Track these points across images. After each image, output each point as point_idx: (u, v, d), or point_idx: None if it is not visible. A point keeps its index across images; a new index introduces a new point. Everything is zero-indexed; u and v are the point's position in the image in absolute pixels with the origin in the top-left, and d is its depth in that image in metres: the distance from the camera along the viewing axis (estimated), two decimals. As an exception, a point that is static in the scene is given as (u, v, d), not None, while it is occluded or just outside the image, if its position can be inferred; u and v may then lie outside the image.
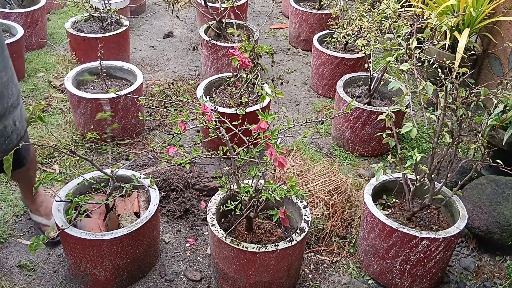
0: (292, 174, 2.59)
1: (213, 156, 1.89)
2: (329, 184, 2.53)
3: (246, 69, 2.52)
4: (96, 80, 3.17)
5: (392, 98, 2.55)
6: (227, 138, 1.89)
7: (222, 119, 1.95)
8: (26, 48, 3.95)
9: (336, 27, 3.59)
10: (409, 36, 2.49)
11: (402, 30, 2.54)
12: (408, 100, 2.29)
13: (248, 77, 2.82)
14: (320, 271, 2.31)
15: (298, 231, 2.01)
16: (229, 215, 2.22)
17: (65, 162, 2.84)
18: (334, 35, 3.60)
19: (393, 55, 2.35)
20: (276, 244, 1.94)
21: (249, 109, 2.75)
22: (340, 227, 2.46)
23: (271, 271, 1.99)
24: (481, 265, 2.40)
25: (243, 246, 1.92)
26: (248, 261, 1.95)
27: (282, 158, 1.59)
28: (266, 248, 1.92)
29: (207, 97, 3.03)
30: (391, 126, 2.16)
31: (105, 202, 2.01)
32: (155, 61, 4.14)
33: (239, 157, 1.82)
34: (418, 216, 2.26)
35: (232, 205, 1.92)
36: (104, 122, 2.87)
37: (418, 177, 2.13)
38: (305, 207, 2.13)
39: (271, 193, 1.78)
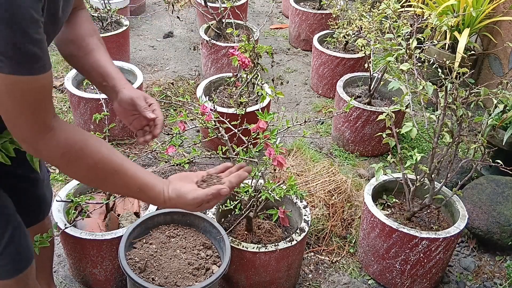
0: (292, 174, 2.58)
1: (213, 156, 1.89)
2: (329, 184, 2.53)
3: (246, 69, 2.52)
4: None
5: (392, 98, 2.56)
6: (227, 138, 1.89)
7: (222, 119, 1.95)
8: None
9: (336, 27, 3.59)
10: (409, 36, 2.48)
11: (402, 30, 2.54)
12: (408, 100, 2.29)
13: (248, 77, 2.82)
14: (320, 271, 2.31)
15: (298, 231, 2.01)
16: (229, 215, 2.21)
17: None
18: (334, 35, 3.60)
19: (393, 55, 2.35)
20: (276, 244, 1.94)
21: (249, 109, 2.74)
22: (340, 227, 2.45)
23: (271, 271, 1.99)
24: (481, 265, 2.40)
25: (243, 246, 1.92)
26: (248, 261, 1.95)
27: (281, 157, 1.58)
28: (266, 248, 1.92)
29: (207, 97, 3.03)
30: (391, 126, 2.15)
31: (105, 202, 2.01)
32: (155, 61, 4.14)
33: (238, 157, 1.82)
34: (418, 216, 2.26)
35: (232, 205, 1.92)
36: (104, 122, 2.86)
37: (418, 177, 2.13)
38: (305, 207, 2.13)
39: (270, 192, 1.78)
